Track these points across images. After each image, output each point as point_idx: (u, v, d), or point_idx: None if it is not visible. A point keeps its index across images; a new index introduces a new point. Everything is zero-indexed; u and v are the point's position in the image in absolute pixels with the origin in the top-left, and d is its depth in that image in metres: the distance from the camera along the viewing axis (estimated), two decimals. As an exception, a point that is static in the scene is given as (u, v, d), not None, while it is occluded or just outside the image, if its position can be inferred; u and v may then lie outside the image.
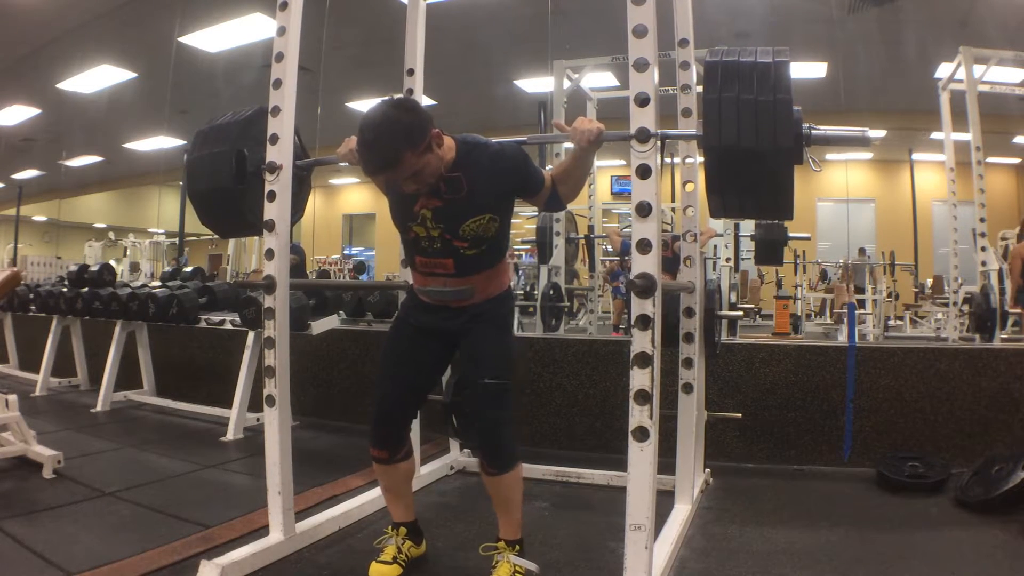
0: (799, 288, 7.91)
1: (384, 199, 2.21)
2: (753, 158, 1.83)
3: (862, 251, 8.74)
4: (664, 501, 2.46)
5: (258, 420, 4.11)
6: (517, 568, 2.14)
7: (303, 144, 2.64)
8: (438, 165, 1.97)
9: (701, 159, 2.45)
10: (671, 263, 3.72)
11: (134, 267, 11.15)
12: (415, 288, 2.24)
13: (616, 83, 7.01)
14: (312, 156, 2.66)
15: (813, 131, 1.85)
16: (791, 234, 5.67)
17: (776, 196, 1.94)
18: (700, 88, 2.54)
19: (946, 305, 6.49)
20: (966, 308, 5.18)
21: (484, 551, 2.21)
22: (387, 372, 2.24)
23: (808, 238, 5.92)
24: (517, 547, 2.19)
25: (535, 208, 2.55)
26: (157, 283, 5.39)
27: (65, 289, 5.41)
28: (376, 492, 2.85)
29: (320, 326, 4.02)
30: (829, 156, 10.45)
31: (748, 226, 6.00)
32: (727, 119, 1.84)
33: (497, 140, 2.11)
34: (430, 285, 2.15)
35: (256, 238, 9.38)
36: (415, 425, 3.03)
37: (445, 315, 2.18)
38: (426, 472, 3.13)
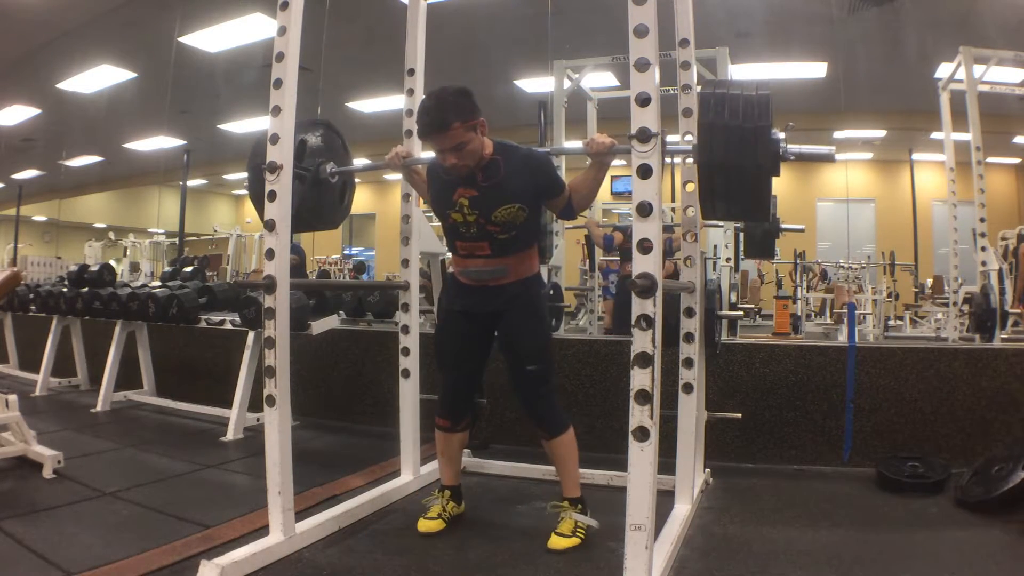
0: (799, 288, 7.90)
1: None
2: (738, 172, 2.21)
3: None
4: (664, 501, 2.46)
5: (258, 420, 4.11)
6: (579, 524, 2.43)
7: (347, 146, 2.89)
8: (478, 148, 2.34)
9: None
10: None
11: (134, 267, 11.15)
12: (456, 272, 2.59)
13: (616, 83, 7.00)
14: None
15: (789, 148, 2.20)
16: (784, 225, 5.48)
17: (756, 202, 2.30)
18: (700, 88, 2.61)
19: (946, 305, 6.49)
20: (966, 308, 5.17)
21: (552, 508, 2.52)
22: (444, 356, 2.66)
23: (802, 230, 5.81)
24: (579, 505, 2.49)
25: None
26: (157, 283, 5.39)
27: (65, 289, 5.41)
28: (375, 492, 2.87)
29: (320, 326, 4.02)
30: (829, 156, 10.45)
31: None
32: (717, 141, 2.18)
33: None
34: (470, 266, 2.50)
35: (256, 239, 9.41)
36: (416, 425, 3.07)
37: (485, 296, 2.51)
38: (427, 471, 3.13)
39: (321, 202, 2.80)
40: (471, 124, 2.29)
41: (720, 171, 2.24)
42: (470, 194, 2.39)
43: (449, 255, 3.96)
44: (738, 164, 2.17)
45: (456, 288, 2.61)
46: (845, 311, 5.26)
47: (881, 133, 9.82)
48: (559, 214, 2.56)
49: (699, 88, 2.32)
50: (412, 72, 3.06)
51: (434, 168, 2.53)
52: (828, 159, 2.29)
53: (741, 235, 5.71)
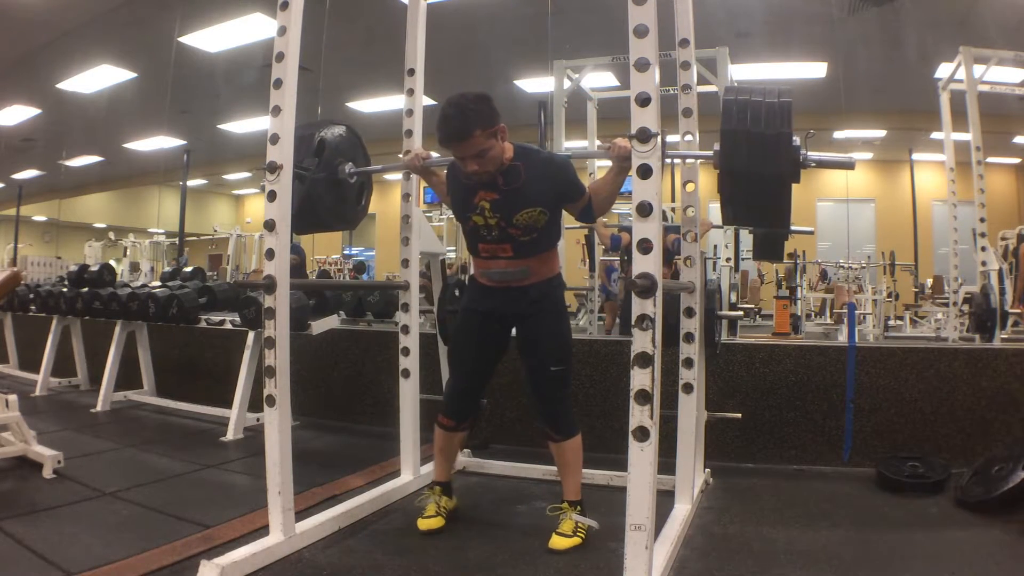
0: (799, 288, 7.89)
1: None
2: (760, 179, 2.23)
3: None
4: (664, 501, 2.47)
5: (258, 420, 4.11)
6: (579, 524, 2.44)
7: (366, 150, 2.92)
8: (499, 155, 2.35)
9: (701, 161, 2.70)
10: (666, 256, 3.72)
11: (134, 267, 11.14)
12: (476, 274, 2.62)
13: (616, 83, 7.00)
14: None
15: (809, 155, 2.19)
16: (794, 228, 5.47)
17: (777, 208, 2.34)
18: (702, 88, 2.65)
19: (946, 305, 6.49)
20: (966, 308, 5.17)
21: (551, 511, 2.51)
22: (459, 356, 2.67)
23: (812, 232, 5.79)
24: (578, 507, 2.50)
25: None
26: (157, 283, 5.39)
27: (65, 289, 5.41)
28: (375, 492, 2.87)
29: (320, 326, 4.02)
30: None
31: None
32: (740, 148, 2.20)
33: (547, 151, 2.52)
34: (492, 268, 2.52)
35: (256, 239, 9.40)
36: (416, 426, 3.07)
37: (508, 297, 2.52)
38: (427, 471, 3.13)
39: (341, 203, 2.84)
40: (492, 131, 2.30)
41: (742, 178, 2.27)
42: (491, 197, 2.41)
43: (448, 255, 3.98)
44: (760, 171, 2.19)
45: (478, 290, 2.62)
46: (845, 311, 5.26)
47: (881, 133, 9.81)
48: (578, 216, 2.55)
49: (722, 94, 2.34)
50: (412, 72, 3.06)
51: (454, 171, 2.54)
52: (847, 166, 2.29)
53: (750, 237, 5.70)
